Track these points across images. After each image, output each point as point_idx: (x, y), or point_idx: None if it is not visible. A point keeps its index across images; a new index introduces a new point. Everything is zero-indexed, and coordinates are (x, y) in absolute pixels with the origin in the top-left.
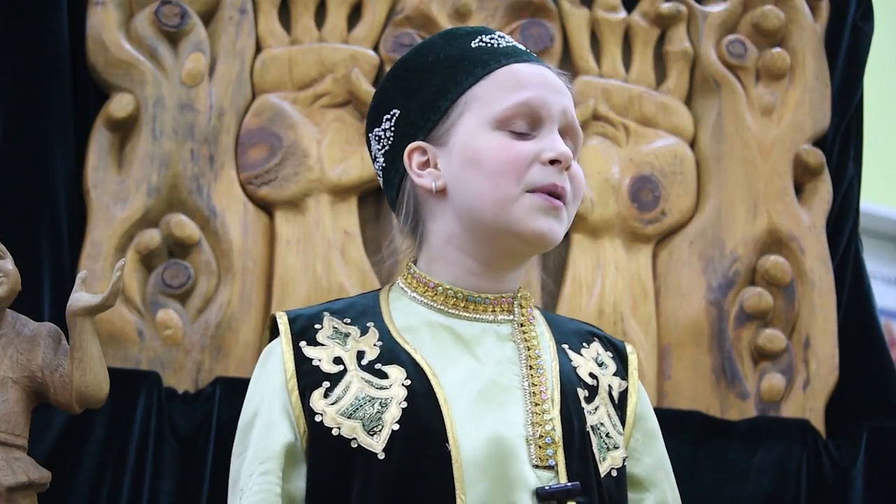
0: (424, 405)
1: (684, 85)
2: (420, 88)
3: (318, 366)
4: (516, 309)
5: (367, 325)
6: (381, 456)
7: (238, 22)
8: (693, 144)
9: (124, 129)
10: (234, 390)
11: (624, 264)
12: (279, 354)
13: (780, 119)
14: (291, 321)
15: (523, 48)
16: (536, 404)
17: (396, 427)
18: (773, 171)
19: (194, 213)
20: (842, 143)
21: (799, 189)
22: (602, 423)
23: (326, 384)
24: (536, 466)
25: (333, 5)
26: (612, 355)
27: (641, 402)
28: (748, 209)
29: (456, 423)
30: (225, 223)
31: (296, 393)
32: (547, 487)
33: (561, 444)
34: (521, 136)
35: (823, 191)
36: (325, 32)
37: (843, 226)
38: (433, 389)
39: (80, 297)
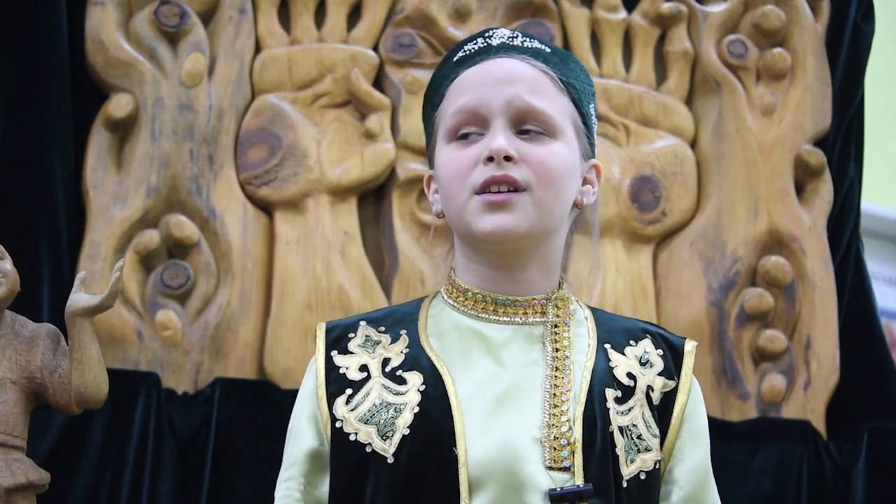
0: (436, 410)
1: (685, 85)
2: (423, 116)
3: (344, 374)
4: (550, 310)
5: (401, 332)
6: (391, 460)
7: (237, 22)
8: (693, 145)
9: (123, 130)
10: (233, 391)
11: (624, 265)
12: (314, 364)
13: (780, 119)
14: (328, 331)
15: (498, 41)
16: (555, 406)
17: (407, 431)
18: (773, 172)
19: (193, 213)
20: (843, 143)
21: (800, 189)
22: (634, 425)
23: (349, 391)
24: (551, 468)
25: (333, 5)
26: (662, 353)
27: (692, 400)
28: (749, 210)
29: (466, 427)
30: (224, 224)
31: (324, 400)
32: (559, 489)
33: (579, 445)
34: (473, 140)
35: (824, 191)
36: (325, 32)
37: (844, 226)
38: (447, 394)
39: (79, 298)
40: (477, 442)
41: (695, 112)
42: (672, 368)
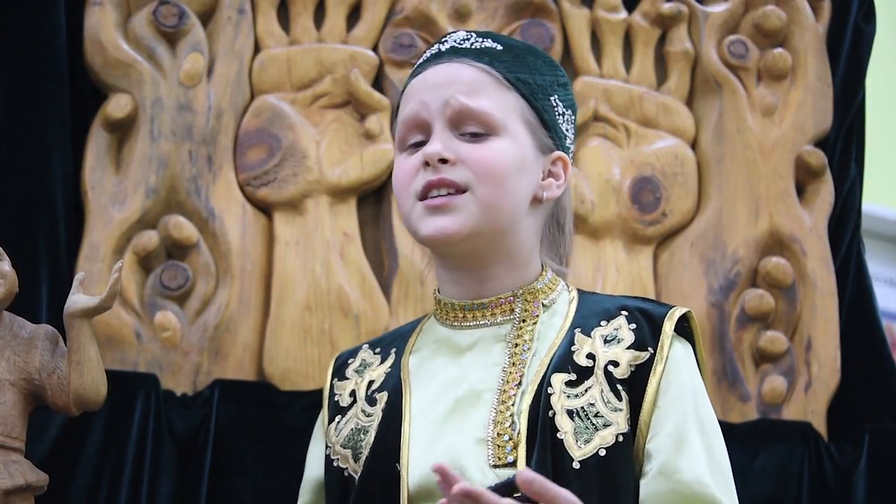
0: (389, 428)
1: (685, 85)
2: (390, 128)
3: (337, 401)
4: (518, 306)
5: (391, 351)
6: (357, 481)
7: (237, 22)
8: (694, 145)
9: (122, 130)
10: (232, 392)
11: (625, 266)
12: None
13: (781, 120)
14: (336, 360)
15: (447, 47)
16: (503, 402)
17: (367, 452)
18: (774, 172)
19: (193, 214)
20: (844, 143)
21: (800, 190)
22: (591, 404)
23: (338, 418)
24: (496, 466)
25: (332, 5)
26: (635, 327)
27: (669, 369)
28: (749, 210)
29: (412, 442)
30: (223, 224)
31: (325, 428)
32: (492, 486)
33: (524, 438)
34: (419, 147)
35: (825, 192)
36: (324, 33)
37: (845, 227)
38: (402, 411)
39: (77, 299)
40: (419, 456)
41: (695, 112)
42: (647, 340)
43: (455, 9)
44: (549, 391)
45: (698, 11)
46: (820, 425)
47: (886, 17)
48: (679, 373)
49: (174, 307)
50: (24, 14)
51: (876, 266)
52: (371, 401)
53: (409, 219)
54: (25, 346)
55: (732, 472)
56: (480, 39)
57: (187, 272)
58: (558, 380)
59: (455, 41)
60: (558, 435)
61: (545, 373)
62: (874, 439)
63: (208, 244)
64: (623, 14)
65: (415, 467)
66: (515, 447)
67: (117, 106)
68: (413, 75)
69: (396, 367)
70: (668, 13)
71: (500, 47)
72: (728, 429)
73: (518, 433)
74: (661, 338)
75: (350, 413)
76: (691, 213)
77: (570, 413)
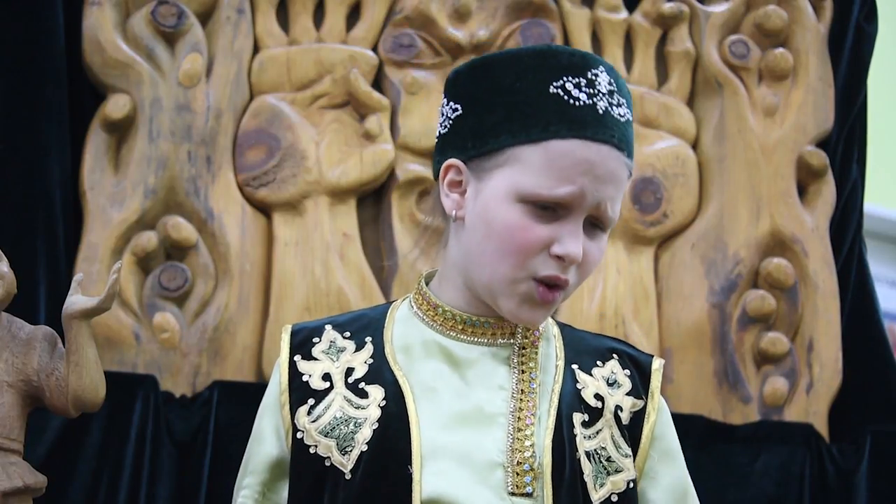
0: (394, 427)
1: (686, 86)
2: (483, 104)
3: (307, 381)
4: (519, 332)
5: (366, 339)
6: (349, 476)
7: (236, 22)
8: (695, 146)
9: (121, 131)
10: (231, 394)
11: (625, 267)
12: (278, 368)
13: (782, 120)
14: (293, 334)
15: (603, 106)
16: (519, 430)
17: (365, 448)
18: (775, 173)
19: (191, 215)
20: (845, 144)
21: (802, 191)
22: (603, 448)
23: (311, 401)
24: (513, 493)
25: (332, 5)
26: (629, 373)
27: (661, 421)
28: (751, 211)
29: (424, 446)
30: (222, 225)
31: (286, 408)
32: None
33: (548, 472)
34: (546, 215)
35: (827, 192)
36: (324, 33)
37: (847, 228)
38: (407, 411)
39: (76, 300)
40: (434, 462)
41: (696, 113)
42: (640, 388)
43: (455, 9)
44: (574, 431)
45: (699, 11)
46: (821, 427)
47: (888, 17)
48: (669, 426)
49: (173, 308)
50: (22, 14)
51: (878, 267)
52: (359, 392)
53: (507, 283)
54: (24, 347)
55: (735, 473)
56: (627, 110)
57: (186, 273)
58: (578, 419)
59: (606, 99)
60: (584, 476)
61: (560, 408)
62: (876, 441)
63: (207, 245)
64: (624, 14)
65: (430, 475)
66: (535, 478)
67: (116, 106)
68: (564, 118)
69: (381, 359)
70: (669, 13)
71: (630, 116)
72: (729, 430)
73: (540, 465)
74: (650, 388)
75: (328, 399)
76: (692, 213)
77: (587, 455)
